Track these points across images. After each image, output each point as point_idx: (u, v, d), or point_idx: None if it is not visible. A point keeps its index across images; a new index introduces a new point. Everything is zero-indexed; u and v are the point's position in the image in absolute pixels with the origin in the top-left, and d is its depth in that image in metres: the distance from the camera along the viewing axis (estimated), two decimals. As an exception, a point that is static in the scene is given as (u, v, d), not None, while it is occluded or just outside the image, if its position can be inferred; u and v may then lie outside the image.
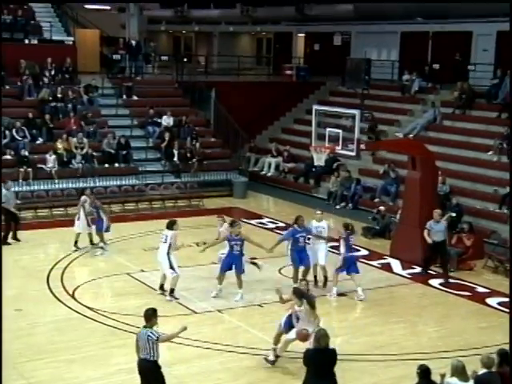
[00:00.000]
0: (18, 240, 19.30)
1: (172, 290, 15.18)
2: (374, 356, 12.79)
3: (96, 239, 18.66)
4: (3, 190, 19.12)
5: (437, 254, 17.67)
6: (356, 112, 18.46)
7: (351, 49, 36.30)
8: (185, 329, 10.43)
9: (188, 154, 26.23)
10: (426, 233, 17.42)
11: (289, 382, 11.71)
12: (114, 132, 25.88)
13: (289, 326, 12.18)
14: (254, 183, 27.23)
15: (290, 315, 12.15)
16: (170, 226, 15.24)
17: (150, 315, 10.09)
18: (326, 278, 16.25)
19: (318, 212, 16.56)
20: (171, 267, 15.04)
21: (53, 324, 13.91)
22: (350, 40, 37.00)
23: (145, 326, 10.01)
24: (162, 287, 15.54)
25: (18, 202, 20.06)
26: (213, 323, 14.22)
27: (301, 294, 11.97)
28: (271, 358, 12.27)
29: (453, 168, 23.84)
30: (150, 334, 9.90)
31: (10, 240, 19.06)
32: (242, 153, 28.98)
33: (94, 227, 18.60)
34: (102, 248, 18.60)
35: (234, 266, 15.27)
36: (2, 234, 18.82)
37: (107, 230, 18.65)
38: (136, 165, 25.47)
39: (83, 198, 18.92)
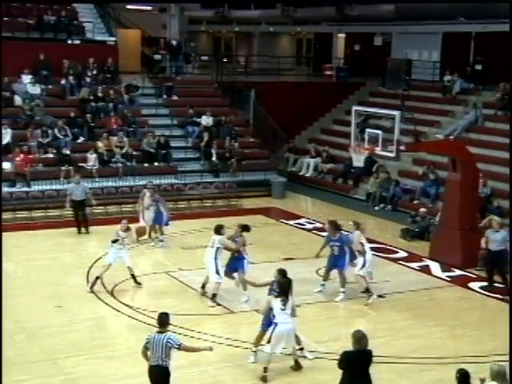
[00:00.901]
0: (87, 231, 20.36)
1: (214, 295, 15.16)
2: (412, 359, 12.70)
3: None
4: (70, 184, 20.61)
5: (496, 264, 16.93)
6: (396, 113, 18.36)
7: (392, 49, 36.06)
8: (210, 349, 10.45)
9: (227, 154, 26.32)
10: (483, 241, 16.85)
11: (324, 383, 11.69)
12: (153, 131, 26.09)
13: (269, 322, 12.07)
14: (292, 184, 27.20)
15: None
16: (218, 231, 15.26)
17: (165, 319, 9.84)
18: (366, 289, 15.66)
19: (350, 223, 16.23)
20: (217, 272, 15.03)
21: (92, 321, 14.07)
22: (391, 40, 36.77)
23: (160, 331, 9.74)
24: (203, 286, 15.61)
25: (89, 196, 20.63)
26: (250, 323, 14.23)
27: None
28: (252, 360, 12.33)
29: (494, 170, 23.55)
30: (171, 340, 9.64)
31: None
32: (280, 153, 28.98)
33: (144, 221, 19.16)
34: (161, 241, 19.08)
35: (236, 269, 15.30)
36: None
37: (166, 224, 18.94)
38: (175, 164, 25.63)
39: (143, 191, 19.59)
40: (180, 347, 9.72)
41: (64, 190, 22.66)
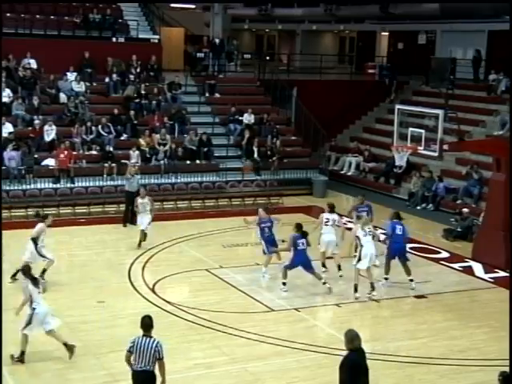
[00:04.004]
0: (134, 224, 20.11)
1: (339, 266, 16.62)
2: (453, 360, 12.56)
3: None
4: (127, 175, 20.98)
5: None
6: (439, 112, 18.19)
7: (436, 48, 35.70)
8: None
9: (268, 152, 26.32)
10: None
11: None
12: (195, 129, 26.21)
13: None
14: (333, 182, 27.09)
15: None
16: (334, 210, 16.98)
17: (150, 323, 9.43)
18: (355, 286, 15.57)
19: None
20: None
21: (133, 317, 14.07)
22: (435, 39, 36.39)
23: (147, 335, 9.35)
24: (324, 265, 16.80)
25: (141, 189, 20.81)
26: (290, 321, 14.24)
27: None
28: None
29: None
30: (160, 349, 9.27)
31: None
32: (322, 151, 28.89)
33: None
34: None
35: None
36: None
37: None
38: (217, 162, 25.71)
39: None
40: (162, 360, 9.32)
41: (107, 186, 23.04)
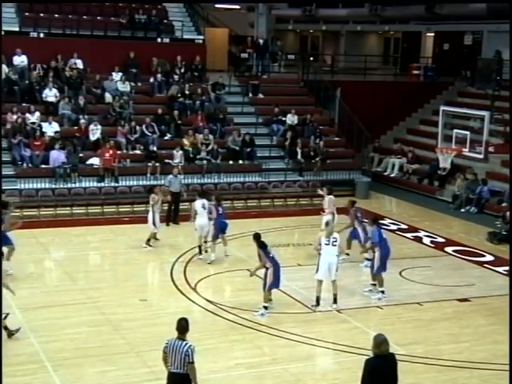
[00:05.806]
0: (176, 223, 21.07)
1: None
2: (497, 365, 12.38)
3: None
4: (169, 176, 21.33)
5: None
6: (485, 113, 18.01)
7: (482, 48, 35.26)
8: None
9: (311, 153, 26.29)
10: None
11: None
12: (239, 129, 26.28)
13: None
14: (376, 184, 26.95)
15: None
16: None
17: (186, 326, 9.22)
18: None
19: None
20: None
21: (175, 315, 14.07)
22: (482, 39, 35.94)
23: (181, 338, 9.15)
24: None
25: (182, 189, 21.58)
26: (331, 323, 14.21)
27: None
28: None
29: None
30: (190, 354, 9.03)
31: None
32: (365, 153, 28.76)
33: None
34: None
35: None
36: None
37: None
38: (259, 162, 25.76)
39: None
40: (191, 363, 9.06)
41: (150, 185, 23.19)
